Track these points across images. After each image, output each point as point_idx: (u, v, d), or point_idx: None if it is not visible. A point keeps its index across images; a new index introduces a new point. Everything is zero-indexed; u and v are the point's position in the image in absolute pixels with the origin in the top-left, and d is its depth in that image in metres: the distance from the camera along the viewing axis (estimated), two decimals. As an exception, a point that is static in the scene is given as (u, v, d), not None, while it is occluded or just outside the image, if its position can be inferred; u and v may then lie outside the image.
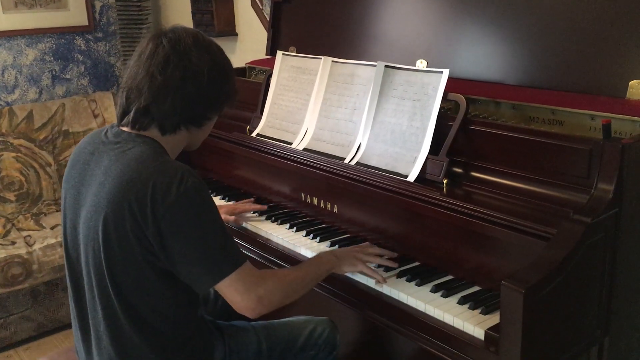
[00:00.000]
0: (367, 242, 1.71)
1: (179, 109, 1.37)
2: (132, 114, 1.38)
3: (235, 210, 1.95)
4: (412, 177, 1.63)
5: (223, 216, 1.88)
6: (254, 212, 2.00)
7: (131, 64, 1.40)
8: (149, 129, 1.40)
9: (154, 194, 1.27)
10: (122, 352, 1.38)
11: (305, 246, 1.76)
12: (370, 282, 1.56)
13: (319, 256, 1.58)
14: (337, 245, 1.74)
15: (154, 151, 1.36)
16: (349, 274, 1.61)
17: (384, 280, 1.54)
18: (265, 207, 2.01)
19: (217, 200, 2.18)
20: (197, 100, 1.39)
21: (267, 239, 1.89)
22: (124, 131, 1.41)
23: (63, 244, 1.48)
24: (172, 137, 1.42)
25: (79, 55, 3.71)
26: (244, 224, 1.96)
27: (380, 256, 1.62)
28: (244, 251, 1.91)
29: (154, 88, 1.35)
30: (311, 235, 1.82)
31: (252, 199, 2.09)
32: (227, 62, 1.46)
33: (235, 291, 1.34)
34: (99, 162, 1.38)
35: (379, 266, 1.60)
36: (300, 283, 1.47)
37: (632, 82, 1.50)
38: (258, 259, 1.88)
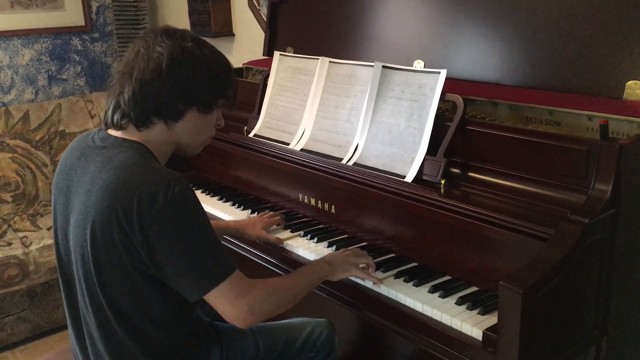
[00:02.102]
0: (356, 247, 1.68)
1: (140, 97, 1.33)
2: (109, 111, 1.38)
3: (268, 225, 1.86)
4: (409, 178, 1.63)
5: (260, 232, 1.82)
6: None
7: None
8: (126, 126, 1.37)
9: (140, 202, 1.24)
10: (117, 357, 1.37)
11: (303, 247, 1.76)
12: (368, 283, 1.56)
13: (312, 265, 1.55)
14: (334, 246, 1.74)
15: (141, 157, 1.33)
16: (346, 275, 1.61)
17: (380, 282, 1.53)
18: (283, 217, 1.93)
19: (216, 201, 2.18)
20: (159, 88, 1.33)
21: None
22: (111, 135, 1.39)
23: (55, 250, 1.46)
24: (152, 134, 1.38)
25: (76, 56, 3.70)
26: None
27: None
28: (240, 252, 1.92)
29: (121, 81, 1.36)
30: (309, 235, 1.82)
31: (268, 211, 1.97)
32: (203, 52, 1.38)
33: (226, 300, 1.31)
34: (86, 168, 1.36)
35: (381, 265, 1.60)
36: (292, 292, 1.44)
37: (629, 83, 1.51)
38: (255, 259, 1.88)
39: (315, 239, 1.79)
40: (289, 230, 1.87)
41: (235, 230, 1.87)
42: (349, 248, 1.65)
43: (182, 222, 1.26)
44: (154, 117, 1.36)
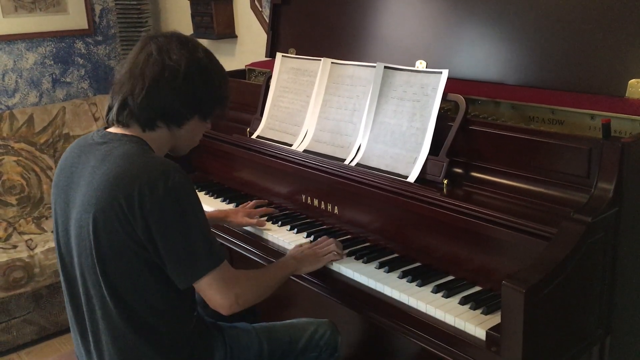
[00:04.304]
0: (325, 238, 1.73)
1: (152, 102, 1.39)
2: (114, 108, 1.42)
3: (252, 214, 1.93)
4: (412, 178, 1.63)
5: (241, 219, 1.90)
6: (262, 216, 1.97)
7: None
8: (130, 125, 1.41)
9: (142, 189, 1.28)
10: (122, 352, 1.38)
11: (306, 248, 1.76)
12: (370, 283, 1.56)
13: (282, 261, 1.62)
14: (338, 247, 1.74)
15: (140, 148, 1.37)
16: (348, 274, 1.61)
17: (342, 256, 1.65)
18: (273, 209, 2.01)
19: (219, 203, 2.18)
20: (172, 95, 1.39)
21: (268, 241, 1.88)
22: (110, 132, 1.43)
23: (56, 250, 1.48)
24: (154, 135, 1.43)
25: (79, 59, 3.71)
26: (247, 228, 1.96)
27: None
28: (244, 253, 1.93)
29: (132, 81, 1.39)
30: (312, 236, 1.82)
31: (254, 202, 2.05)
32: (212, 65, 1.47)
33: (215, 289, 1.37)
34: (86, 163, 1.39)
35: (384, 265, 1.61)
36: (270, 285, 1.52)
37: (632, 81, 1.50)
38: (258, 260, 1.88)
39: (319, 239, 1.79)
40: (293, 231, 1.87)
41: (218, 219, 1.93)
42: (316, 241, 1.71)
43: (181, 209, 1.31)
44: (160, 122, 1.42)
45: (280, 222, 1.93)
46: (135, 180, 1.29)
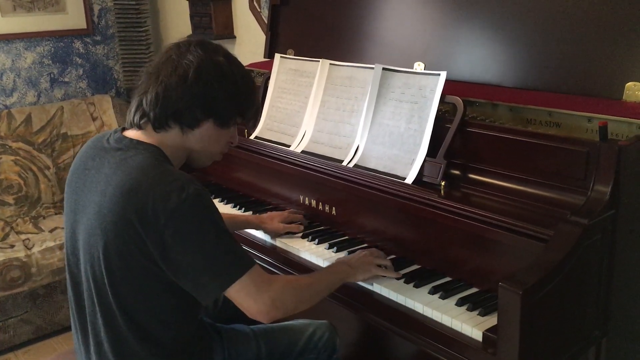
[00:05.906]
0: (373, 248, 1.68)
1: (163, 99, 1.35)
2: (132, 110, 1.41)
3: (287, 219, 1.90)
4: (410, 179, 1.64)
5: (277, 225, 1.86)
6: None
7: None
8: (145, 126, 1.40)
9: (155, 203, 1.25)
10: (122, 357, 1.37)
11: (304, 249, 1.77)
12: (367, 285, 1.57)
13: (332, 266, 1.58)
14: (335, 248, 1.74)
15: (155, 159, 1.34)
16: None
17: (400, 275, 1.56)
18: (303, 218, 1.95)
19: (217, 204, 2.18)
20: (182, 94, 1.35)
21: (265, 241, 1.89)
22: (126, 137, 1.40)
23: (65, 249, 1.48)
24: (167, 137, 1.40)
25: (78, 59, 3.71)
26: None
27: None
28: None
29: (148, 81, 1.38)
30: (309, 237, 1.82)
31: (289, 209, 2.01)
32: (232, 71, 1.40)
33: (247, 295, 1.32)
34: (100, 168, 1.37)
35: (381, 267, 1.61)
36: (313, 289, 1.46)
37: (629, 84, 1.51)
38: (257, 261, 1.88)
39: (317, 240, 1.80)
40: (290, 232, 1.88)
41: (255, 225, 1.91)
42: (366, 250, 1.65)
43: (198, 220, 1.27)
44: (171, 121, 1.39)
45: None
46: (148, 193, 1.26)
